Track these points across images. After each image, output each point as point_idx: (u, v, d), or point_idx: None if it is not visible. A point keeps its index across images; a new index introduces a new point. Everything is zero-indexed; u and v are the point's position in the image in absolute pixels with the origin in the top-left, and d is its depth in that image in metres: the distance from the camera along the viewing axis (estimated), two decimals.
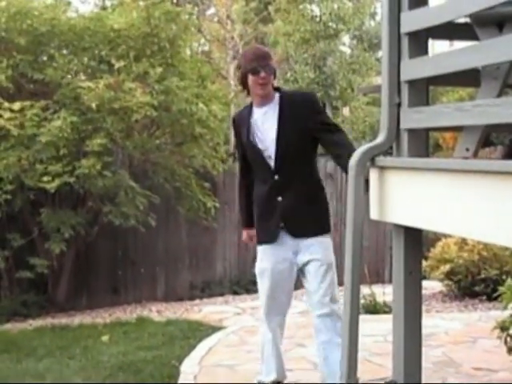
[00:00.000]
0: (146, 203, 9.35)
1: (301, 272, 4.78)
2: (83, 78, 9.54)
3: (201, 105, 9.49)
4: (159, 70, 9.19)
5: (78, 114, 8.88)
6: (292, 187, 4.66)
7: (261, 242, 4.89)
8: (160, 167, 9.92)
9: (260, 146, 4.67)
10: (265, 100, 4.70)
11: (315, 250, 4.70)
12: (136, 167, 9.88)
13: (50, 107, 8.99)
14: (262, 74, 4.61)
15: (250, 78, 4.64)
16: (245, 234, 5.21)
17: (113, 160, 9.26)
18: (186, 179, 10.10)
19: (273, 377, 4.88)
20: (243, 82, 4.73)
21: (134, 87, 8.81)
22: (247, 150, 4.80)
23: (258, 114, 4.70)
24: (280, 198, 4.68)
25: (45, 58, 9.80)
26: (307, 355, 5.94)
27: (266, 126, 4.66)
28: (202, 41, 16.44)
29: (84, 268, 10.27)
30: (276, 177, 4.67)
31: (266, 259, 4.83)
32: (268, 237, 4.81)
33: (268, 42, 17.08)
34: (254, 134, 4.70)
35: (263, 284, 4.87)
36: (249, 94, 4.77)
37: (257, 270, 4.93)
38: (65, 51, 9.74)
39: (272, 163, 4.66)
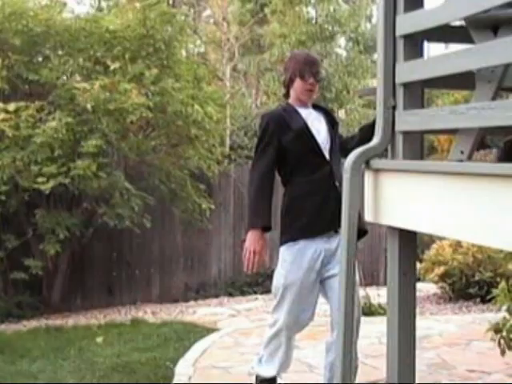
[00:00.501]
0: (141, 204, 9.34)
1: (323, 284, 4.59)
2: (78, 78, 9.53)
3: (196, 106, 9.50)
4: (155, 71, 9.19)
5: (73, 115, 8.87)
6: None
7: (298, 237, 4.57)
8: (155, 169, 9.92)
9: (318, 137, 4.62)
10: (305, 104, 4.68)
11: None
12: (131, 168, 9.87)
13: (45, 108, 8.98)
14: (311, 81, 4.62)
15: (298, 82, 4.63)
16: (262, 237, 4.69)
17: (108, 161, 9.25)
18: (181, 181, 10.10)
19: (272, 373, 4.70)
20: (287, 85, 4.72)
21: (130, 88, 8.80)
22: (298, 141, 4.60)
23: (303, 112, 4.66)
24: (338, 184, 4.48)
25: (40, 59, 9.80)
26: (301, 357, 5.94)
27: (314, 124, 4.64)
28: (198, 42, 16.44)
29: (79, 269, 10.25)
30: (330, 167, 4.57)
31: (297, 267, 4.52)
32: (317, 227, 4.54)
33: (264, 44, 17.09)
34: (310, 126, 4.63)
35: (287, 299, 4.56)
36: (286, 96, 4.76)
37: (282, 282, 4.58)
38: (60, 52, 9.72)
39: (327, 154, 4.59)
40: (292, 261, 4.52)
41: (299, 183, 4.61)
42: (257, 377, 4.76)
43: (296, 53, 5.27)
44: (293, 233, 4.58)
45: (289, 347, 4.67)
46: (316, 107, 4.79)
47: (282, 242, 4.63)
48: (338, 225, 4.24)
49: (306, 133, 4.61)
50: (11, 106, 8.62)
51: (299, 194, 4.60)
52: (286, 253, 4.58)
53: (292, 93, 4.70)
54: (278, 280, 4.59)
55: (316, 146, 4.59)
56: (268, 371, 4.69)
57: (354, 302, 4.43)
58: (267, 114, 4.81)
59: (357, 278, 4.51)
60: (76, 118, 8.87)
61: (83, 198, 9.48)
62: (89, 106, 8.68)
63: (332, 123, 4.75)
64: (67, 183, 8.69)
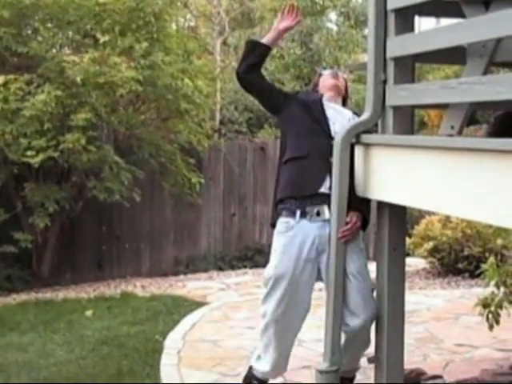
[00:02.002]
0: (130, 178, 9.31)
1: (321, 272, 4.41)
2: (68, 51, 9.46)
3: (186, 80, 9.45)
4: (145, 44, 9.12)
5: (63, 88, 8.81)
6: None
7: (286, 196, 4.42)
8: (145, 142, 9.88)
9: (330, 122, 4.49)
10: (333, 98, 4.63)
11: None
12: (121, 142, 9.84)
13: (34, 81, 8.90)
14: (334, 73, 4.77)
15: (322, 77, 4.76)
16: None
17: (97, 135, 9.21)
18: (171, 155, 10.07)
19: (266, 368, 4.53)
20: (317, 83, 4.80)
21: (120, 62, 8.74)
22: (308, 112, 4.53)
23: (328, 103, 4.59)
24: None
25: (29, 32, 9.71)
26: (298, 353, 5.81)
27: (332, 114, 4.53)
28: (188, 16, 16.32)
29: (68, 243, 10.24)
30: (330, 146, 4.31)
31: (288, 257, 4.34)
32: (310, 187, 4.37)
33: (254, 18, 17.00)
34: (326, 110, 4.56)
35: (276, 291, 4.37)
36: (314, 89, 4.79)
37: (271, 273, 4.38)
38: (49, 25, 9.64)
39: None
40: (282, 251, 4.34)
41: (293, 147, 4.49)
42: (250, 368, 4.63)
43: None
44: (282, 193, 4.44)
45: (281, 344, 4.44)
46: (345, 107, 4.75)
47: (276, 214, 4.48)
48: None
49: (317, 103, 4.56)
50: (0, 79, 8.55)
51: (292, 156, 4.45)
52: (277, 241, 4.42)
53: (321, 88, 4.74)
54: (267, 271, 4.43)
55: (325, 126, 4.46)
56: (261, 366, 4.53)
57: (366, 281, 4.36)
58: (297, 93, 5.05)
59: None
60: (65, 91, 8.80)
61: (73, 171, 9.44)
62: (78, 79, 8.62)
63: None
64: (56, 157, 8.65)
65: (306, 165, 4.37)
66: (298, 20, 4.56)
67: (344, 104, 4.74)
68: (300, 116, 4.50)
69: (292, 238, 4.33)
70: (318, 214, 4.32)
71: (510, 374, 4.91)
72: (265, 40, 4.57)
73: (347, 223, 4.22)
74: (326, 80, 4.71)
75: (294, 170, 4.42)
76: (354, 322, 4.24)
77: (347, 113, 4.56)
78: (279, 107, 4.61)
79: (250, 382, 4.59)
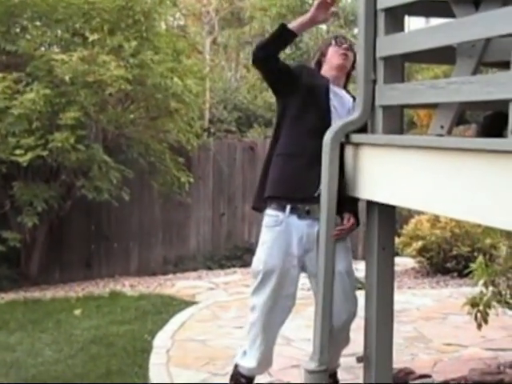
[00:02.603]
0: (119, 177, 9.30)
1: (307, 271, 4.42)
2: (57, 50, 9.43)
3: (176, 79, 9.43)
4: (134, 43, 9.11)
5: (51, 86, 8.78)
6: None
7: (282, 196, 4.36)
8: (134, 142, 9.86)
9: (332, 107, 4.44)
10: (337, 79, 4.54)
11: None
12: (110, 141, 9.81)
13: (23, 79, 8.87)
14: (345, 45, 4.51)
15: (331, 50, 4.52)
16: None
17: (86, 134, 9.18)
18: (161, 154, 10.05)
19: (252, 364, 4.47)
20: (319, 60, 4.61)
21: (109, 60, 8.72)
22: (312, 93, 4.43)
23: (333, 87, 4.51)
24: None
25: (17, 30, 9.67)
26: (286, 352, 5.80)
27: (336, 99, 4.48)
28: (178, 15, 16.31)
29: (57, 242, 10.21)
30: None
31: (277, 252, 4.33)
32: (298, 197, 4.33)
33: (244, 17, 17.00)
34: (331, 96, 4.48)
35: (267, 284, 4.35)
36: (319, 69, 4.60)
37: (261, 267, 4.35)
38: (38, 23, 9.62)
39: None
40: (271, 245, 4.32)
41: (290, 139, 4.40)
42: (236, 366, 4.56)
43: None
44: (274, 191, 4.38)
45: (267, 337, 4.42)
46: (348, 93, 4.62)
47: (267, 203, 4.40)
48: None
49: (323, 93, 4.45)
50: None
51: (286, 151, 4.39)
52: (265, 234, 4.38)
53: (325, 67, 4.56)
54: (256, 264, 4.39)
55: (326, 111, 4.40)
56: (247, 362, 4.47)
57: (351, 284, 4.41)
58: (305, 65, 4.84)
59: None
60: (54, 89, 8.78)
61: (61, 170, 9.41)
62: (67, 78, 8.59)
63: None
64: (45, 155, 8.62)
65: (303, 165, 4.31)
66: (334, 12, 4.39)
67: (348, 79, 4.66)
68: (305, 109, 4.39)
69: (280, 232, 4.31)
70: (308, 212, 4.30)
71: (498, 373, 4.92)
72: (296, 27, 4.33)
73: (343, 223, 4.29)
74: (334, 56, 4.52)
75: (291, 169, 4.36)
76: (336, 320, 4.26)
77: (348, 101, 4.48)
78: (285, 92, 4.46)
79: (237, 381, 4.54)
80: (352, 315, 4.37)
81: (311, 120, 4.37)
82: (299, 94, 4.39)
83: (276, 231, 4.32)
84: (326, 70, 4.56)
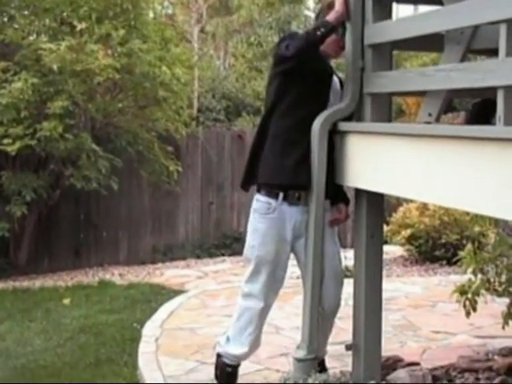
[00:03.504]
0: (108, 167, 9.28)
1: (296, 254, 4.42)
2: (44, 39, 9.39)
3: (164, 68, 9.41)
4: (122, 32, 9.07)
5: (39, 75, 8.75)
6: None
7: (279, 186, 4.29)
8: (123, 130, 9.84)
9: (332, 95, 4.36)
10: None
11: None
12: (98, 130, 9.79)
13: (11, 68, 8.84)
14: (344, 40, 4.25)
15: (334, 37, 4.24)
16: None
17: (75, 123, 9.16)
18: (149, 143, 10.04)
19: (241, 351, 4.42)
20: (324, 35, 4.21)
21: (97, 49, 8.70)
22: (318, 77, 4.30)
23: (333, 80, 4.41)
24: None
25: (5, 19, 9.65)
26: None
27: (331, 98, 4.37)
28: (166, 3, 16.27)
29: (46, 231, 10.19)
30: None
31: (270, 239, 4.30)
32: (296, 184, 4.27)
33: (232, 6, 16.96)
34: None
35: (262, 271, 4.33)
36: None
37: (255, 254, 4.33)
38: (25, 12, 9.59)
39: None
40: (265, 233, 4.28)
41: (289, 122, 4.28)
42: (219, 356, 4.48)
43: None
44: (274, 180, 4.30)
45: (261, 324, 4.43)
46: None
47: (259, 190, 4.34)
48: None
49: (327, 77, 4.35)
50: None
51: (285, 135, 4.29)
52: (258, 221, 4.32)
53: (325, 45, 4.25)
54: (250, 251, 4.36)
55: (325, 91, 4.32)
56: (234, 349, 4.41)
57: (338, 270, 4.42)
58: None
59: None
60: (42, 78, 8.75)
61: (50, 159, 9.39)
62: (55, 67, 8.56)
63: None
64: (33, 145, 8.60)
65: (303, 154, 4.23)
66: None
67: None
68: (306, 94, 4.26)
69: (273, 220, 4.27)
70: (299, 198, 4.27)
71: (486, 361, 4.94)
72: (336, 23, 4.13)
73: (338, 213, 4.37)
74: (334, 45, 4.26)
75: (291, 157, 4.25)
76: (329, 304, 4.30)
77: (338, 85, 4.37)
78: (291, 75, 4.25)
79: (223, 370, 4.47)
80: (339, 302, 4.40)
81: (311, 106, 4.27)
82: (303, 78, 4.23)
83: (269, 218, 4.28)
84: (323, 52, 4.31)
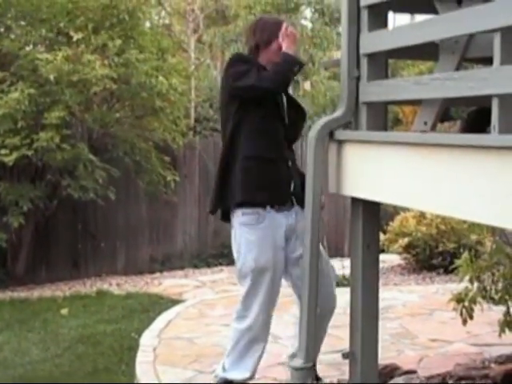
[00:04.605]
0: (105, 177, 9.29)
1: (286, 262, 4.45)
2: (41, 49, 9.41)
3: (161, 78, 9.42)
4: (118, 42, 9.10)
5: (36, 86, 8.76)
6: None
7: (261, 203, 4.31)
8: (120, 140, 9.85)
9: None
10: None
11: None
12: (95, 140, 9.80)
13: (7, 79, 8.86)
14: None
15: (275, 45, 4.38)
16: None
17: (72, 133, 9.17)
18: (146, 153, 10.04)
19: (247, 374, 4.37)
20: (257, 46, 4.42)
21: (93, 59, 8.72)
22: (278, 124, 4.43)
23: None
24: (290, 164, 4.44)
25: (1, 29, 9.66)
26: (273, 350, 5.75)
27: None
28: (163, 13, 16.30)
29: (43, 241, 10.19)
30: (287, 134, 4.47)
31: (266, 247, 4.31)
32: (279, 199, 4.38)
33: (229, 15, 16.98)
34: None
35: (262, 284, 4.33)
36: (257, 49, 4.44)
37: (253, 266, 4.29)
38: (22, 22, 9.60)
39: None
40: (260, 242, 4.27)
41: (260, 142, 4.35)
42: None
43: (269, 17, 4.93)
44: (257, 197, 4.32)
45: (265, 339, 4.42)
46: None
47: (241, 205, 4.32)
48: (296, 198, 4.35)
49: (281, 97, 4.46)
50: None
51: (260, 155, 4.33)
52: (250, 234, 4.30)
53: (264, 55, 4.41)
54: (245, 265, 4.30)
55: (282, 109, 4.44)
56: (241, 373, 4.36)
57: (330, 276, 4.48)
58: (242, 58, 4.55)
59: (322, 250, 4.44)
60: (39, 89, 8.76)
61: (47, 169, 9.40)
62: (51, 77, 8.58)
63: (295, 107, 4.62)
64: (30, 155, 8.62)
65: (275, 170, 4.36)
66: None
67: None
68: (273, 113, 4.39)
69: (265, 228, 4.28)
70: (284, 204, 4.38)
71: (482, 368, 4.95)
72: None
73: None
74: (277, 55, 4.37)
75: (270, 175, 4.35)
76: (326, 304, 4.40)
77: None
78: (252, 102, 4.36)
79: None
80: (334, 305, 4.49)
81: (276, 122, 4.41)
82: (266, 100, 4.35)
83: (261, 228, 4.28)
84: (266, 60, 4.40)
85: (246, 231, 4.32)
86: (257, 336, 4.35)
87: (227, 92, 4.41)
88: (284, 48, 4.31)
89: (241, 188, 4.29)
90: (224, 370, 4.41)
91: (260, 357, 4.42)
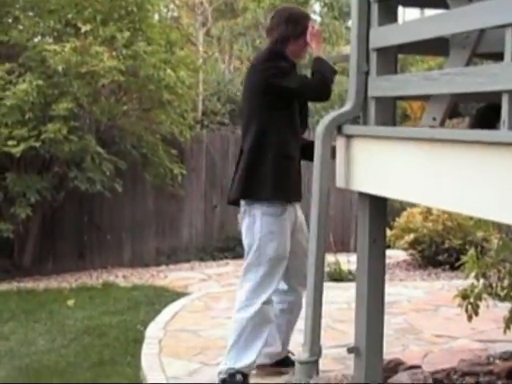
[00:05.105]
0: (112, 169, 9.31)
1: None
2: (49, 41, 9.42)
3: (169, 71, 9.44)
4: (127, 34, 9.11)
5: (44, 77, 8.78)
6: None
7: (285, 199, 4.56)
8: (127, 133, 9.86)
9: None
10: None
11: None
12: (103, 132, 9.81)
13: (15, 70, 8.88)
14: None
15: (302, 41, 4.59)
16: None
17: (79, 125, 9.19)
18: (153, 145, 10.05)
19: (253, 358, 4.58)
20: (288, 38, 4.59)
21: (101, 51, 8.72)
22: (298, 124, 4.69)
23: None
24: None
25: (9, 20, 9.67)
26: None
27: None
28: (171, 6, 16.29)
29: (50, 233, 10.21)
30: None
31: (284, 239, 4.55)
32: (299, 195, 4.69)
33: (238, 8, 16.97)
34: None
35: (278, 271, 4.58)
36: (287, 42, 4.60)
37: (273, 254, 4.51)
38: (30, 13, 9.62)
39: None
40: (281, 233, 4.49)
41: (288, 140, 4.54)
42: (229, 376, 4.55)
43: (298, 9, 5.01)
44: (284, 193, 4.54)
45: (273, 321, 4.65)
46: None
47: (265, 199, 4.50)
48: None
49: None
50: None
51: (290, 154, 4.54)
52: (272, 224, 4.47)
53: (291, 47, 4.60)
54: (265, 253, 4.47)
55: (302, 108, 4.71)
56: (247, 359, 4.56)
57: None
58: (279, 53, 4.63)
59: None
60: (47, 80, 8.78)
61: (54, 161, 9.42)
62: (60, 69, 8.59)
63: None
64: (38, 146, 8.63)
65: (297, 168, 4.62)
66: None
67: None
68: (293, 111, 4.61)
69: (285, 220, 4.52)
70: (301, 199, 4.69)
71: (487, 364, 4.94)
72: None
73: None
74: (304, 49, 4.70)
75: (295, 174, 4.60)
76: (295, 296, 4.77)
77: None
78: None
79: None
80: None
81: (296, 119, 4.61)
82: (291, 102, 4.57)
83: (283, 219, 4.49)
84: (292, 53, 4.62)
85: (269, 221, 4.47)
86: (267, 318, 4.56)
87: (261, 85, 4.51)
88: (314, 49, 4.53)
89: (272, 184, 4.45)
90: (229, 362, 4.54)
91: (266, 339, 4.60)
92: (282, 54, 4.58)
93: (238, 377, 4.52)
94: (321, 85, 4.44)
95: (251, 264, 4.54)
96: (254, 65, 4.69)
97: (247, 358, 4.54)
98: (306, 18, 4.63)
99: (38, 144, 8.57)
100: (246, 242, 4.59)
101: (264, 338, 4.57)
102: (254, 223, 4.50)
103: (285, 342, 4.84)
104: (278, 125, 4.49)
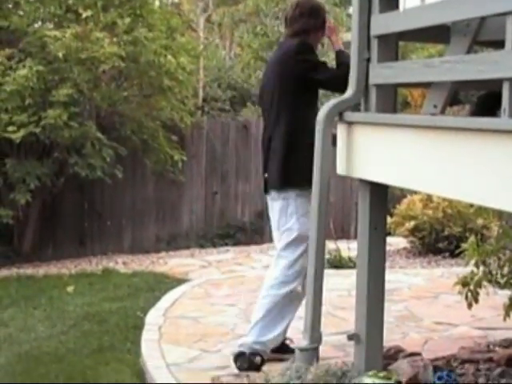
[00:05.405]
0: (112, 155, 9.30)
1: None
2: (50, 26, 9.40)
3: (169, 57, 9.42)
4: (127, 20, 9.09)
5: (44, 63, 8.77)
6: None
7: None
8: (127, 119, 9.85)
9: None
10: None
11: None
12: (103, 119, 9.80)
13: (16, 56, 8.86)
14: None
15: (321, 33, 4.85)
16: None
17: (79, 111, 9.17)
18: (154, 132, 10.04)
19: (278, 331, 4.76)
20: (311, 29, 4.78)
21: (102, 37, 8.71)
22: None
23: None
24: None
25: (10, 6, 9.63)
26: None
27: None
28: None
29: (50, 219, 10.21)
30: None
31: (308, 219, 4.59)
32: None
33: None
34: None
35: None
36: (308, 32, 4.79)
37: (307, 232, 4.46)
38: None
39: None
40: (309, 213, 4.49)
41: (313, 129, 4.43)
42: (250, 353, 4.66)
43: (321, 4, 5.17)
44: (311, 180, 4.46)
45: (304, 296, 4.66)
46: None
47: (297, 185, 4.68)
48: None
49: None
50: None
51: (312, 140, 4.40)
52: (307, 203, 4.54)
53: (313, 37, 4.80)
54: (305, 231, 4.52)
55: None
56: (272, 334, 4.72)
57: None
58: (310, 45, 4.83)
59: None
60: (47, 66, 8.77)
61: (54, 147, 9.40)
62: (60, 55, 8.58)
63: None
64: (38, 132, 8.63)
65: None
66: None
67: None
68: (315, 100, 4.85)
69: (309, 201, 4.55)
70: None
71: (487, 352, 4.95)
72: None
73: None
74: (318, 40, 4.95)
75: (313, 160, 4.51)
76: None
77: None
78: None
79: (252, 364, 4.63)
80: None
81: (318, 110, 4.57)
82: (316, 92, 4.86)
83: (308, 201, 4.49)
84: (314, 42, 4.85)
85: (304, 202, 4.63)
86: (300, 296, 4.66)
87: (295, 76, 4.68)
88: (334, 42, 4.82)
89: (305, 171, 4.40)
90: (254, 336, 4.69)
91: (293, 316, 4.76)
92: (311, 46, 4.77)
93: (257, 359, 4.64)
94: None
95: (289, 243, 4.71)
96: (285, 56, 4.80)
97: (273, 333, 4.69)
98: (324, 12, 4.87)
99: (38, 130, 8.56)
100: (280, 223, 4.75)
101: (293, 315, 4.73)
102: (288, 205, 4.70)
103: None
104: (306, 113, 4.65)
